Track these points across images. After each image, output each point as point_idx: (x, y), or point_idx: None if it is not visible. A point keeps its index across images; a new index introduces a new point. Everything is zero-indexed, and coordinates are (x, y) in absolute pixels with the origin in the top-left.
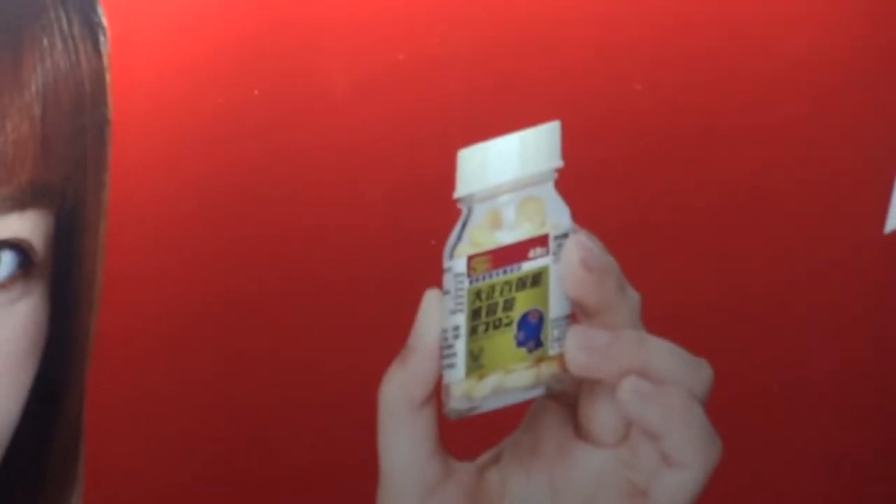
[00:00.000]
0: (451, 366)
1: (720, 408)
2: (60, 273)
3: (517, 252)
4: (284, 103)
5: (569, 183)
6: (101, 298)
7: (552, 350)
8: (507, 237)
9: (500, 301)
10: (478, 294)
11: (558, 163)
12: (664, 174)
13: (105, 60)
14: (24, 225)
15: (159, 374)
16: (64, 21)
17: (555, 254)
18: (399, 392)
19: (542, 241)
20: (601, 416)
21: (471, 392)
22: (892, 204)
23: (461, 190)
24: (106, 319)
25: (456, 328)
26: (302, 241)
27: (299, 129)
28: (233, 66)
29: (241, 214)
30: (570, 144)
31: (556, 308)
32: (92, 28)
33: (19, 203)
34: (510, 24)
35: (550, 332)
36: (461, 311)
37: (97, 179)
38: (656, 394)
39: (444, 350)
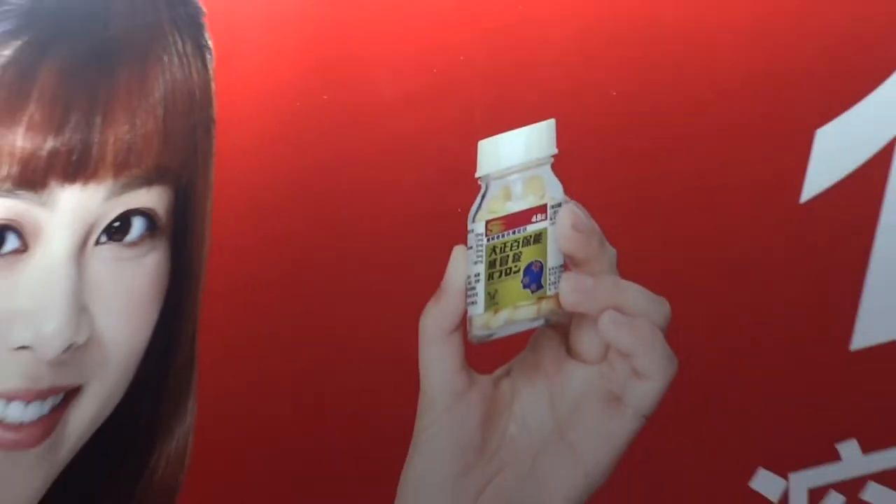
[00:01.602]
0: (474, 303)
1: (676, 335)
2: (178, 234)
3: (523, 217)
4: (347, 107)
5: (562, 165)
6: (208, 255)
7: (550, 291)
8: (515, 206)
9: (511, 254)
10: (493, 249)
11: (554, 150)
12: (635, 162)
13: (211, 73)
14: (151, 198)
15: (256, 313)
16: (179, 43)
17: (551, 219)
18: (434, 323)
19: (542, 209)
20: (587, 340)
21: (488, 323)
22: (805, 180)
23: (481, 171)
24: (212, 270)
25: (477, 275)
26: (364, 210)
27: (358, 126)
28: (307, 77)
29: (314, 189)
30: (563, 136)
31: (552, 260)
32: (201, 49)
33: (147, 181)
34: (516, 48)
35: (548, 278)
36: (481, 262)
37: (206, 163)
38: (628, 324)
39: (468, 291)
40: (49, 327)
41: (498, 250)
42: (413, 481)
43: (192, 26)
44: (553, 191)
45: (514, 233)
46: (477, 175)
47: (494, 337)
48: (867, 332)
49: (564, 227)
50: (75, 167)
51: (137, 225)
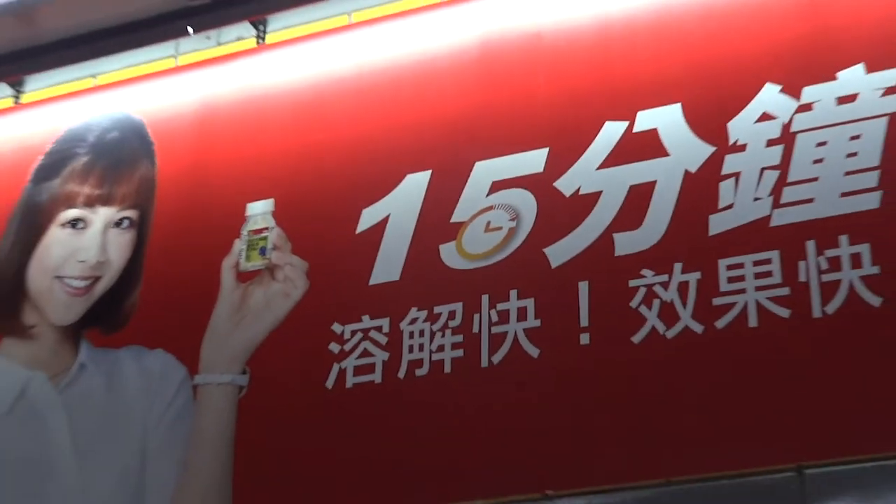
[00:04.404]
0: (242, 257)
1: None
2: (141, 227)
3: (261, 231)
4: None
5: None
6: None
7: (269, 257)
8: (258, 225)
9: (257, 243)
10: (250, 240)
11: (272, 208)
12: (295, 217)
13: (156, 169)
14: (132, 213)
15: (171, 251)
16: (146, 160)
17: (270, 231)
18: (226, 263)
19: (267, 228)
20: (280, 274)
21: (246, 266)
22: None
23: (248, 212)
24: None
25: (244, 248)
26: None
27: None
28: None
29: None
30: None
31: (270, 245)
32: (152, 160)
33: (130, 207)
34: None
35: (269, 252)
36: (245, 244)
37: (153, 204)
38: (293, 269)
39: (240, 253)
40: (91, 253)
41: (252, 240)
42: (213, 320)
43: (150, 154)
44: (271, 222)
45: (258, 235)
46: (246, 214)
47: (249, 271)
48: (378, 275)
49: (275, 234)
50: (105, 201)
51: (125, 222)
